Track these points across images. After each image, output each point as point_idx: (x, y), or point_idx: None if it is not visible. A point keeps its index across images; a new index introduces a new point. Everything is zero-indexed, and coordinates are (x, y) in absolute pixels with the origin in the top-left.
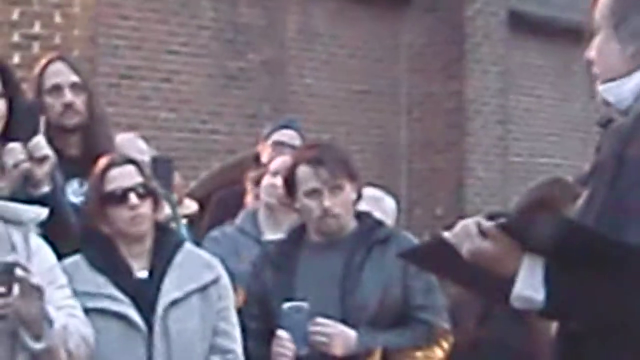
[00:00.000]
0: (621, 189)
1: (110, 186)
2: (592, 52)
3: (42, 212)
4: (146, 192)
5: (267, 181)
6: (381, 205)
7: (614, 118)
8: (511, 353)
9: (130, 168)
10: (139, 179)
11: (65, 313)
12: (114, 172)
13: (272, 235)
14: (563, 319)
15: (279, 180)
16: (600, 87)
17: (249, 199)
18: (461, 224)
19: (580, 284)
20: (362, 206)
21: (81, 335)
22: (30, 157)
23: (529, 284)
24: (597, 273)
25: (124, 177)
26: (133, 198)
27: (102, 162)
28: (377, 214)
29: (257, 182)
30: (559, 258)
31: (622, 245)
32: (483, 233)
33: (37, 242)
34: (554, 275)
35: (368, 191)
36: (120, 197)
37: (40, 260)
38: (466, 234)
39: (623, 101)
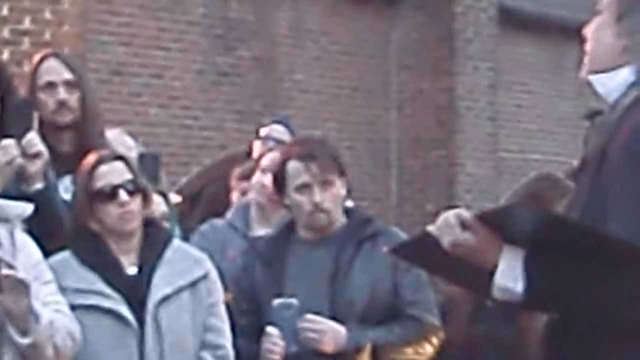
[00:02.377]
0: (604, 182)
1: (99, 183)
2: (589, 31)
3: (28, 208)
4: (135, 189)
5: (257, 179)
6: None
7: (600, 111)
8: (503, 350)
9: (119, 164)
10: (128, 176)
11: (51, 309)
12: (103, 168)
13: (261, 231)
14: (542, 310)
15: (268, 179)
16: (591, 77)
17: (234, 195)
18: (442, 216)
19: (559, 275)
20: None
21: (68, 330)
22: (24, 154)
23: (508, 275)
24: (576, 263)
25: (112, 173)
26: (122, 195)
27: (90, 158)
28: None
29: (242, 178)
30: (539, 249)
31: (600, 234)
32: (463, 225)
33: (23, 238)
34: (533, 266)
35: None
36: (110, 194)
37: (26, 256)
38: (447, 225)
39: (612, 93)
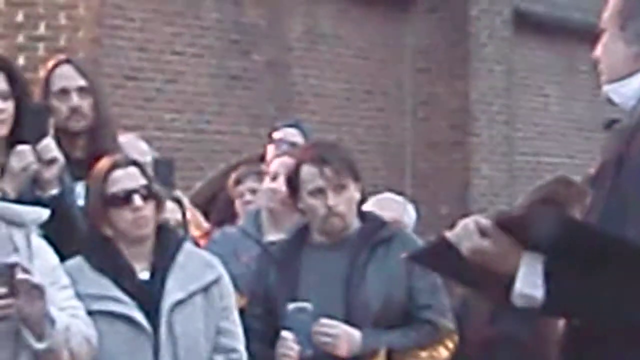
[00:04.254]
0: (622, 188)
1: (113, 188)
2: (598, 51)
3: (44, 213)
4: (149, 194)
5: (267, 185)
6: (404, 210)
7: (618, 119)
8: (522, 352)
9: (134, 170)
10: (142, 181)
11: (68, 313)
12: (117, 173)
13: (273, 236)
14: (564, 317)
15: (278, 184)
16: (605, 87)
17: (237, 203)
18: (461, 223)
19: (581, 281)
20: (387, 212)
21: (84, 335)
22: (39, 160)
23: (529, 282)
24: (597, 270)
25: (127, 178)
26: (137, 200)
27: (105, 163)
28: (404, 219)
29: (237, 182)
30: (559, 255)
31: (621, 241)
32: (482, 231)
33: (39, 243)
34: (554, 272)
35: (390, 196)
36: (124, 199)
37: (42, 261)
38: (465, 232)
39: (628, 101)
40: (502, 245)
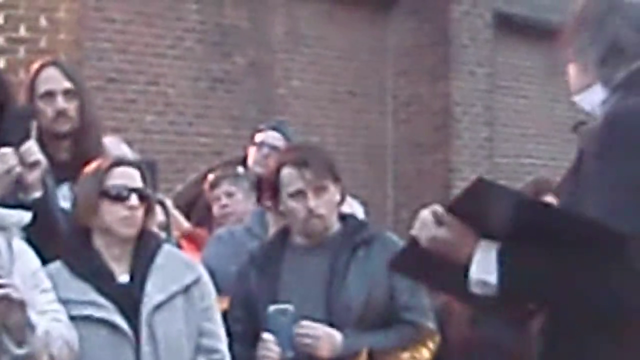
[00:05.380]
0: (581, 179)
1: (113, 182)
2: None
3: (25, 216)
4: (144, 198)
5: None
6: (349, 207)
7: (584, 122)
8: (504, 353)
9: (134, 171)
10: (140, 184)
11: (49, 318)
12: (120, 169)
13: None
14: (519, 301)
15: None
16: (575, 99)
17: (213, 207)
18: (419, 214)
19: (535, 264)
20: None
21: (65, 339)
22: (22, 162)
23: (483, 268)
24: (551, 252)
25: (128, 177)
26: (134, 199)
27: (109, 158)
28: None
29: (212, 186)
30: (514, 237)
31: (576, 216)
32: (438, 220)
33: (20, 247)
34: (507, 256)
35: None
36: (121, 195)
37: (23, 264)
38: (423, 223)
39: (596, 108)
40: (458, 232)
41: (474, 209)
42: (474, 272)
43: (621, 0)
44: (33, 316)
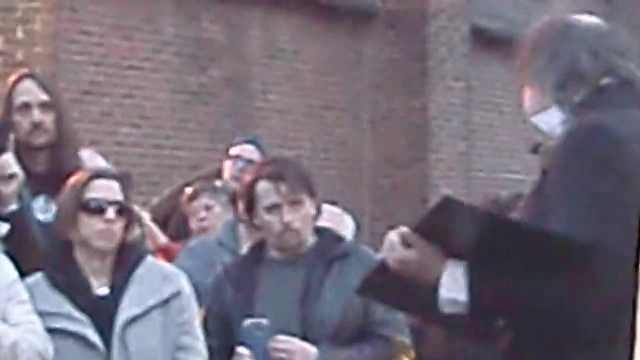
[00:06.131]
0: (544, 194)
1: (91, 194)
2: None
3: (2, 227)
4: (122, 211)
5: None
6: (341, 222)
7: (541, 143)
8: None
9: (114, 184)
10: (119, 197)
11: (23, 329)
12: (99, 182)
13: None
14: (489, 317)
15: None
16: (532, 119)
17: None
18: (387, 237)
19: (502, 280)
20: (322, 222)
21: (36, 350)
22: None
23: (453, 287)
24: (518, 267)
25: (107, 189)
26: (110, 212)
27: (89, 170)
28: (339, 230)
29: (191, 199)
30: (481, 257)
31: (539, 230)
32: (405, 242)
33: None
34: (475, 273)
35: (327, 207)
36: (99, 208)
37: None
38: (391, 245)
39: (554, 128)
40: (425, 253)
41: (440, 228)
42: (444, 291)
43: (577, 25)
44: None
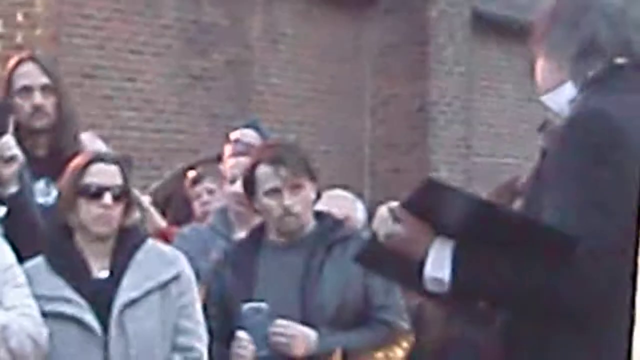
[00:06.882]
0: (542, 178)
1: (88, 179)
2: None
3: (0, 210)
4: (121, 195)
5: (228, 190)
6: (353, 207)
7: (550, 121)
8: (477, 353)
9: (113, 168)
10: (118, 181)
11: (17, 312)
12: (96, 167)
13: (242, 233)
14: (471, 299)
15: (238, 187)
16: (542, 98)
17: (195, 204)
18: (378, 210)
19: (484, 263)
20: (334, 208)
21: (28, 334)
22: None
23: (437, 265)
24: (502, 250)
25: (104, 174)
26: (107, 197)
27: (88, 154)
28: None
29: (194, 182)
30: (468, 238)
31: (527, 219)
32: (395, 217)
33: None
34: (459, 254)
35: (339, 193)
36: (95, 193)
37: None
38: (380, 219)
39: (563, 109)
40: (413, 228)
41: (426, 208)
42: (428, 269)
43: None
44: None
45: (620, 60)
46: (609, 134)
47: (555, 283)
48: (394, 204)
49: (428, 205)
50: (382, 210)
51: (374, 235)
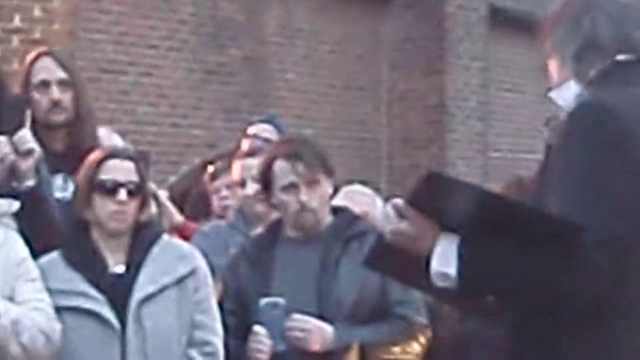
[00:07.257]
0: (547, 171)
1: (103, 175)
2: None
3: (13, 205)
4: (136, 191)
5: (241, 194)
6: (372, 203)
7: (556, 116)
8: (494, 349)
9: (129, 164)
10: (133, 177)
11: (29, 307)
12: (112, 163)
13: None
14: (478, 294)
15: (250, 189)
16: (551, 94)
17: (213, 199)
18: (384, 208)
19: (493, 257)
20: (355, 205)
21: (40, 329)
22: (16, 151)
23: (444, 260)
24: (511, 246)
25: (120, 170)
26: (122, 194)
27: (103, 150)
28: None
29: (213, 178)
30: (475, 231)
31: (533, 210)
32: (400, 214)
33: (6, 235)
34: (466, 249)
35: (358, 188)
36: (110, 189)
37: (7, 253)
38: (387, 217)
39: (570, 105)
40: (419, 225)
41: (430, 203)
42: (435, 265)
43: None
44: (0, 305)
45: (622, 57)
46: (612, 124)
47: (563, 274)
48: (398, 200)
49: (431, 199)
50: (388, 208)
51: (380, 238)
